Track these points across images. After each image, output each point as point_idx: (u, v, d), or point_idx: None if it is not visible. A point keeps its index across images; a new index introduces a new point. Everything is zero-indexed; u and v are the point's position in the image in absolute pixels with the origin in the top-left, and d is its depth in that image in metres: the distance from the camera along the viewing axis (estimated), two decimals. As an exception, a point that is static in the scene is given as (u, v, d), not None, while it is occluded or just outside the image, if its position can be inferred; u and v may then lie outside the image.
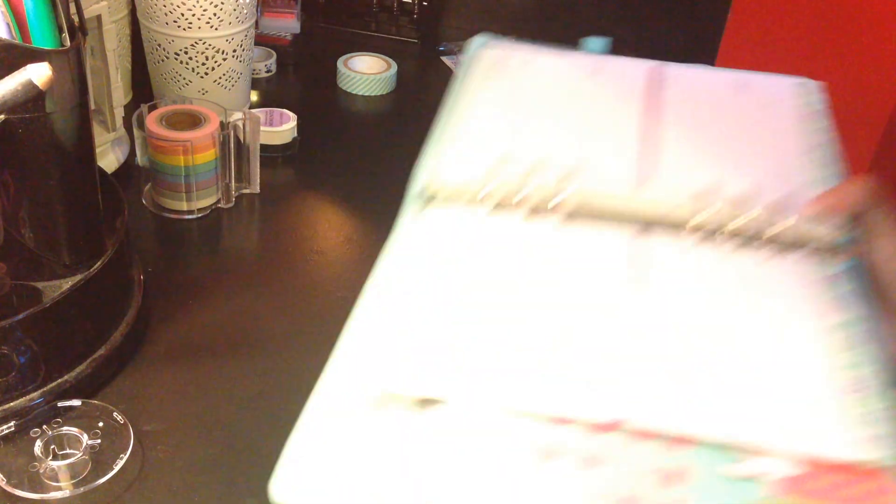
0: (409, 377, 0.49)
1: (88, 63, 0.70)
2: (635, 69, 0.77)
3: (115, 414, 0.54)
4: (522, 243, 0.59)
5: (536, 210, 0.62)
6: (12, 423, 0.53)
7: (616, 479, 0.44)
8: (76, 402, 0.55)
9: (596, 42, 0.82)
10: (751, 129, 0.69)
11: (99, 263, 0.58)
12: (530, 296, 0.55)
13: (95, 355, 0.57)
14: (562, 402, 0.47)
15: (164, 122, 0.71)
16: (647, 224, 0.61)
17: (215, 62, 0.82)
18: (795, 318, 0.53)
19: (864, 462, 0.42)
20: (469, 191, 0.62)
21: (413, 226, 0.60)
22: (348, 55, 0.98)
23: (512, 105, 0.72)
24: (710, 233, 0.60)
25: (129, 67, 0.88)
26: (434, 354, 0.51)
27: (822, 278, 0.57)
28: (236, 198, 0.77)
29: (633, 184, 0.62)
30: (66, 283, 0.56)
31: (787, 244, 0.59)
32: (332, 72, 0.97)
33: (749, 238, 0.59)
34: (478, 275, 0.56)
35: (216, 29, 0.80)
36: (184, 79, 0.82)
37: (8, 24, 0.50)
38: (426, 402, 0.48)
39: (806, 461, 0.43)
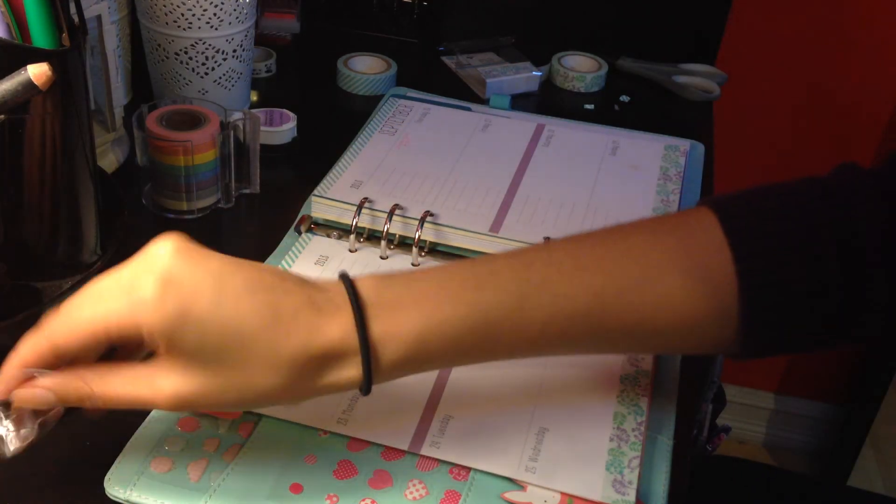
0: None
1: (88, 63, 0.70)
2: (523, 126, 0.85)
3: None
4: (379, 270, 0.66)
5: (397, 244, 0.69)
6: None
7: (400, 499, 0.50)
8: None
9: (500, 98, 0.91)
10: (609, 188, 0.77)
11: (99, 263, 0.58)
12: None
13: (95, 355, 0.57)
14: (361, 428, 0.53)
15: (164, 122, 0.72)
16: None
17: (215, 62, 0.82)
18: (589, 366, 0.59)
19: (604, 502, 0.50)
20: (342, 223, 0.70)
21: (293, 245, 0.68)
22: (348, 55, 0.98)
23: (402, 151, 0.79)
24: None
25: (129, 67, 0.88)
26: None
27: None
28: (236, 198, 0.77)
29: (486, 227, 0.69)
30: (66, 283, 0.56)
31: None
32: (332, 72, 0.97)
33: None
34: None
35: (216, 29, 0.80)
36: (184, 79, 0.82)
37: (8, 24, 0.50)
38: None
39: (563, 497, 0.50)
